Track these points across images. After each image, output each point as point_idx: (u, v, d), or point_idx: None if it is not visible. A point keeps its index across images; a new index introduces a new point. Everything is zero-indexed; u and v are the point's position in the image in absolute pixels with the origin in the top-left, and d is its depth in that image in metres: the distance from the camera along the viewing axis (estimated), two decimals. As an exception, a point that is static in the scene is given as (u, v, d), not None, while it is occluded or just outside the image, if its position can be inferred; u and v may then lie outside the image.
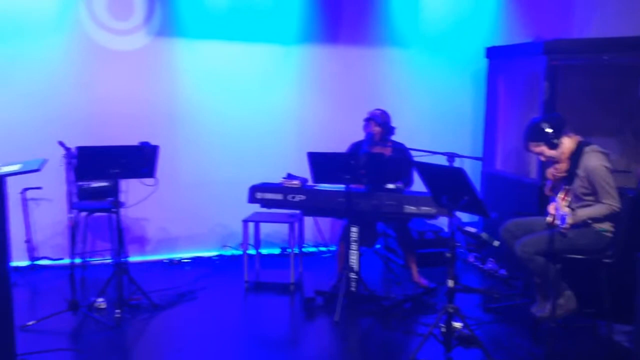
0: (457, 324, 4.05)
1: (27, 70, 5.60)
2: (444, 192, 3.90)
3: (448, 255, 3.89)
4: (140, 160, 4.58)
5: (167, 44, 5.92)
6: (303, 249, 5.73)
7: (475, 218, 6.14)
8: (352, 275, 4.80)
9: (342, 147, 5.45)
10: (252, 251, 5.62)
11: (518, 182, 5.48)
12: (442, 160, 4.36)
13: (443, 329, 3.98)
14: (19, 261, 5.69)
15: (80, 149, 4.40)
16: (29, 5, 5.59)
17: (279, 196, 5.05)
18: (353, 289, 4.81)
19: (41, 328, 4.43)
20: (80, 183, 5.12)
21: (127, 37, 5.80)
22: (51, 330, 4.42)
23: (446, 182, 3.89)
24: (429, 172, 4.00)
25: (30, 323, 4.44)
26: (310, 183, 5.03)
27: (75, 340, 4.38)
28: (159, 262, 6.10)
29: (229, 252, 6.31)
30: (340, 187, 4.83)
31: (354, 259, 4.84)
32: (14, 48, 5.57)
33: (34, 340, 4.16)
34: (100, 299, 4.81)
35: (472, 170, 5.78)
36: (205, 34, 6.02)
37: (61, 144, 4.55)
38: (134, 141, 4.84)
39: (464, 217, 5.98)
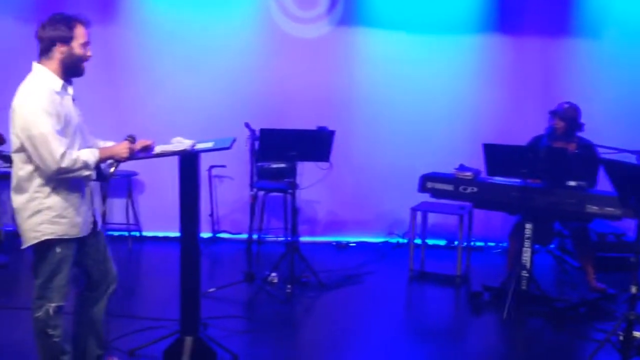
0: (638, 333, 3.76)
1: (219, 55, 6.02)
2: (633, 192, 3.62)
3: (633, 260, 3.62)
4: (317, 144, 4.74)
5: (347, 33, 6.06)
6: (471, 242, 5.61)
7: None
8: (524, 273, 4.62)
9: (518, 140, 5.22)
10: (417, 240, 5.61)
11: None
12: (632, 159, 4.05)
13: (621, 337, 3.71)
14: (203, 233, 6.14)
15: (263, 131, 4.65)
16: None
17: (449, 187, 4.97)
18: (524, 287, 4.62)
19: (220, 295, 4.77)
20: (261, 163, 5.40)
21: (311, 25, 6.01)
22: (228, 298, 4.74)
23: (637, 182, 3.61)
24: (617, 170, 3.73)
25: (211, 290, 4.80)
26: (483, 175, 4.90)
27: (249, 310, 4.67)
28: (327, 244, 6.30)
29: (394, 239, 6.35)
30: (516, 181, 4.66)
31: (526, 256, 4.65)
32: (208, 35, 6.00)
33: (213, 306, 4.49)
34: (273, 274, 5.07)
35: (665, 171, 5.29)
36: (383, 24, 6.08)
37: (247, 125, 4.85)
38: (311, 125, 5.03)
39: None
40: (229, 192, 6.27)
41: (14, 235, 6.00)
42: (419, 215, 5.49)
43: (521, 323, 4.47)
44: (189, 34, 5.99)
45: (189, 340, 3.47)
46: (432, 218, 5.80)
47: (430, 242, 6.00)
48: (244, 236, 6.02)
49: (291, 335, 4.31)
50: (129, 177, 5.97)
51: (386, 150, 6.17)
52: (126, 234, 6.07)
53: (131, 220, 6.12)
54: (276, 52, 6.04)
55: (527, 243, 4.65)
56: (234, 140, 3.51)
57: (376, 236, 6.36)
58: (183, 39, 5.99)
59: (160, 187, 6.07)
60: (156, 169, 5.65)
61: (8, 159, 5.45)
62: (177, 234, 6.20)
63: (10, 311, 4.34)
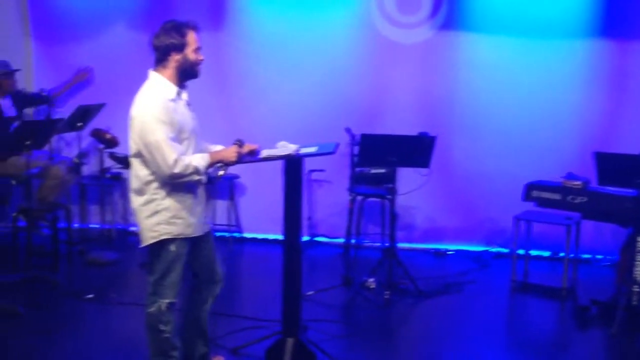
0: None
1: (320, 61, 6.06)
2: None
3: None
4: (418, 149, 4.70)
5: (449, 37, 5.94)
6: (578, 255, 5.37)
7: None
8: (635, 288, 4.38)
9: (626, 148, 4.94)
10: (520, 250, 5.43)
11: None
12: None
13: None
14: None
15: (364, 136, 4.65)
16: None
17: (557, 196, 4.79)
18: (635, 302, 4.39)
19: (317, 298, 4.80)
20: (360, 168, 5.40)
21: (412, 30, 5.95)
22: (326, 302, 4.78)
23: None
24: None
25: (310, 293, 4.85)
26: (593, 184, 4.69)
27: (346, 314, 4.69)
28: (425, 251, 6.21)
29: (494, 248, 6.18)
30: (630, 191, 4.42)
31: (638, 271, 4.41)
32: (309, 41, 6.07)
33: (311, 309, 4.53)
34: (371, 279, 5.07)
35: None
36: (486, 28, 5.91)
37: (348, 130, 4.87)
38: (411, 130, 4.99)
39: None
40: (326, 196, 6.31)
41: (124, 233, 6.38)
42: (522, 224, 5.32)
43: (631, 339, 4.26)
44: (290, 40, 6.08)
45: (290, 342, 3.52)
46: (535, 227, 5.60)
47: (533, 252, 5.80)
48: (341, 240, 6.06)
49: (389, 342, 4.29)
50: (231, 179, 6.13)
51: (488, 156, 6.00)
52: (227, 234, 6.24)
53: (232, 222, 6.29)
54: (377, 57, 6.03)
55: (638, 257, 4.40)
56: (338, 146, 3.53)
57: (475, 245, 6.22)
58: (285, 45, 6.09)
59: (261, 190, 6.22)
60: (257, 173, 5.78)
61: (121, 160, 5.76)
62: (276, 236, 6.38)
63: (121, 307, 4.56)
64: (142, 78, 3.20)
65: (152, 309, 3.21)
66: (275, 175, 5.75)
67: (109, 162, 5.98)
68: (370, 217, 6.16)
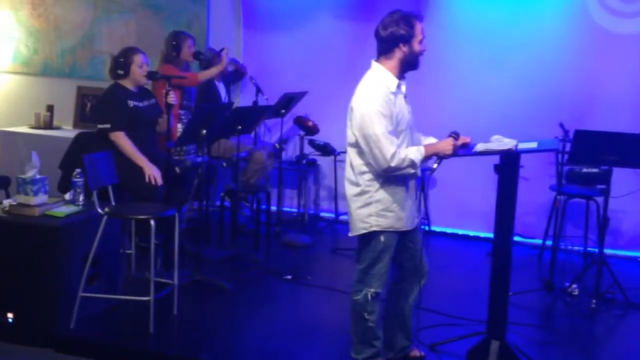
0: None
1: (526, 51, 5.75)
2: None
3: None
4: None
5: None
6: None
7: None
8: None
9: None
10: None
11: None
12: None
13: None
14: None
15: (578, 132, 4.34)
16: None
17: None
18: None
19: (516, 300, 4.53)
20: (570, 167, 5.07)
21: (634, 19, 5.43)
22: (525, 305, 4.54)
23: None
24: None
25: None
26: None
27: (547, 320, 4.45)
28: (631, 259, 5.71)
29: None
30: None
31: None
32: (515, 30, 5.76)
33: (510, 311, 4.29)
34: (574, 286, 4.75)
35: None
36: None
37: (561, 125, 4.58)
38: (626, 128, 4.59)
39: None
40: (523, 194, 5.94)
41: (315, 218, 6.57)
42: None
43: None
44: (496, 30, 5.81)
45: (495, 344, 3.39)
46: None
47: None
48: (536, 241, 5.74)
49: (595, 354, 4.01)
50: (423, 172, 6.04)
51: None
52: (417, 227, 6.17)
53: (422, 215, 6.19)
54: (591, 49, 5.57)
55: None
56: (558, 142, 3.34)
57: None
58: (491, 35, 5.84)
59: (450, 184, 6.07)
60: (448, 166, 5.61)
61: (319, 148, 5.93)
62: (465, 232, 6.23)
63: (316, 289, 4.68)
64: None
65: (358, 297, 3.24)
66: (465, 170, 5.61)
67: (306, 149, 6.16)
68: (571, 218, 5.76)
